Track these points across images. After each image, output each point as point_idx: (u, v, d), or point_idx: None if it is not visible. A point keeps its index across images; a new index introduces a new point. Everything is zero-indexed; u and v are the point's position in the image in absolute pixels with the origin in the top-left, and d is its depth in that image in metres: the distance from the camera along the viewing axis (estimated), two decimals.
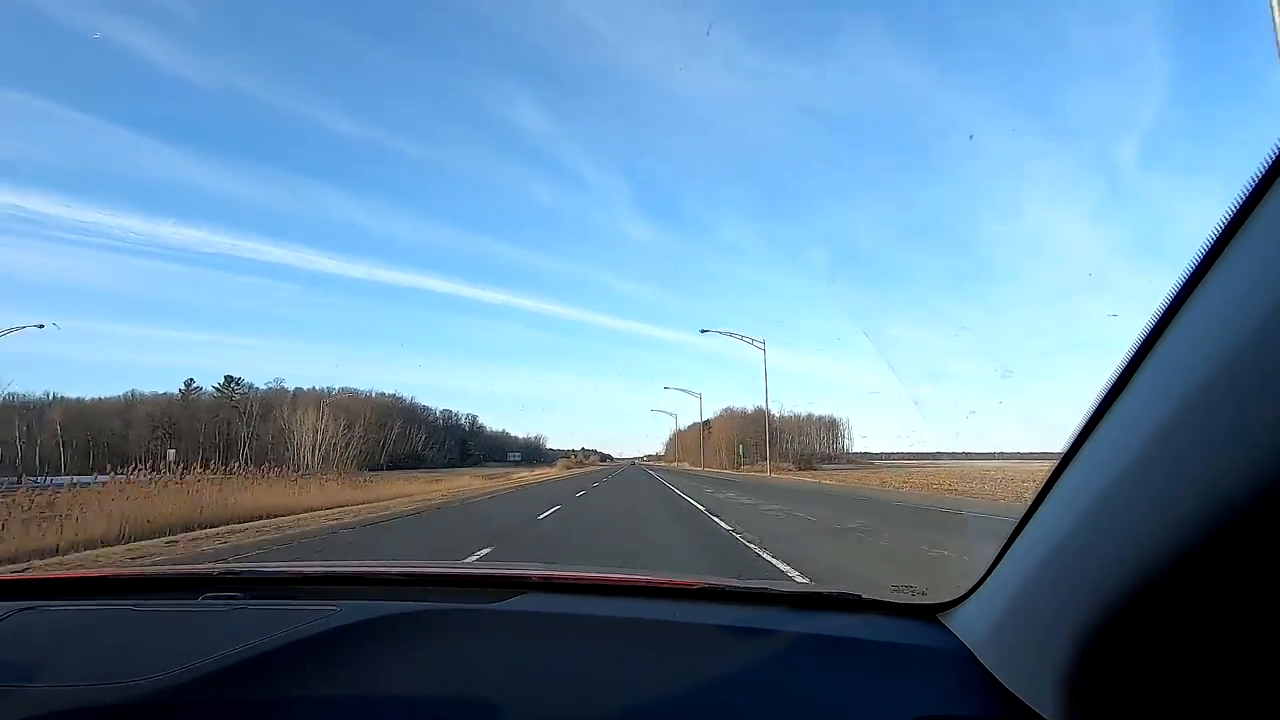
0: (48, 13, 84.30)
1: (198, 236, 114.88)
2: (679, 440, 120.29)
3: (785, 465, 54.30)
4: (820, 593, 0.96)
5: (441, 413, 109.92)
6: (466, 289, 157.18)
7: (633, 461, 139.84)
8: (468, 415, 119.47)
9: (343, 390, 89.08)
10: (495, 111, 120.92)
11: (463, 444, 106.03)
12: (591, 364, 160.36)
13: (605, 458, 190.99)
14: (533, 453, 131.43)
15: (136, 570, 1.27)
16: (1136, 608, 0.47)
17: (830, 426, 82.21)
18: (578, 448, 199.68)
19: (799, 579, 5.44)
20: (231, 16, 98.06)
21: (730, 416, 74.37)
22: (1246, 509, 0.37)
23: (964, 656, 0.74)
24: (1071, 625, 0.53)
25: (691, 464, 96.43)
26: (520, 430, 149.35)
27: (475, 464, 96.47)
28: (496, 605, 0.92)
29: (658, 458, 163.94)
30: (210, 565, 1.24)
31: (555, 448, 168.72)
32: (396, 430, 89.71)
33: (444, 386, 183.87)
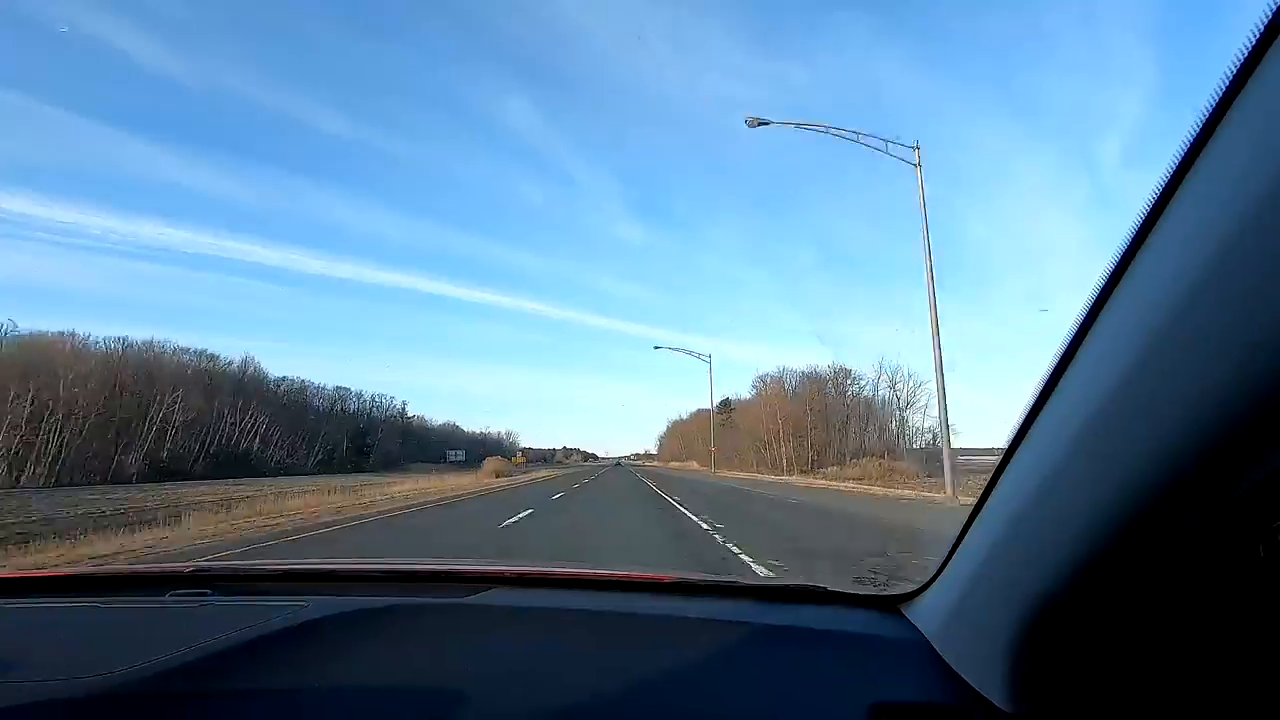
0: (25, 6, 79.03)
1: (183, 236, 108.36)
2: (678, 434, 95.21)
3: (895, 466, 28.76)
4: (787, 586, 0.97)
5: (335, 390, 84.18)
6: (450, 288, 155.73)
7: (618, 462, 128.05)
8: (391, 400, 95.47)
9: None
10: (485, 109, 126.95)
11: (360, 438, 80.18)
12: (574, 361, 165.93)
13: (589, 456, 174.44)
14: (493, 450, 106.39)
15: (103, 569, 1.21)
16: (1072, 594, 0.51)
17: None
18: (558, 446, 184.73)
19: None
20: (217, 10, 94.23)
21: (772, 388, 48.82)
22: (1164, 501, 0.40)
23: (921, 646, 0.77)
24: (1014, 612, 0.56)
25: (701, 464, 72.45)
26: (480, 426, 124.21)
27: (392, 466, 70.58)
28: (467, 599, 0.92)
29: (648, 456, 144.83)
30: (179, 564, 1.20)
31: (534, 445, 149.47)
32: (215, 411, 59.69)
33: (423, 387, 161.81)
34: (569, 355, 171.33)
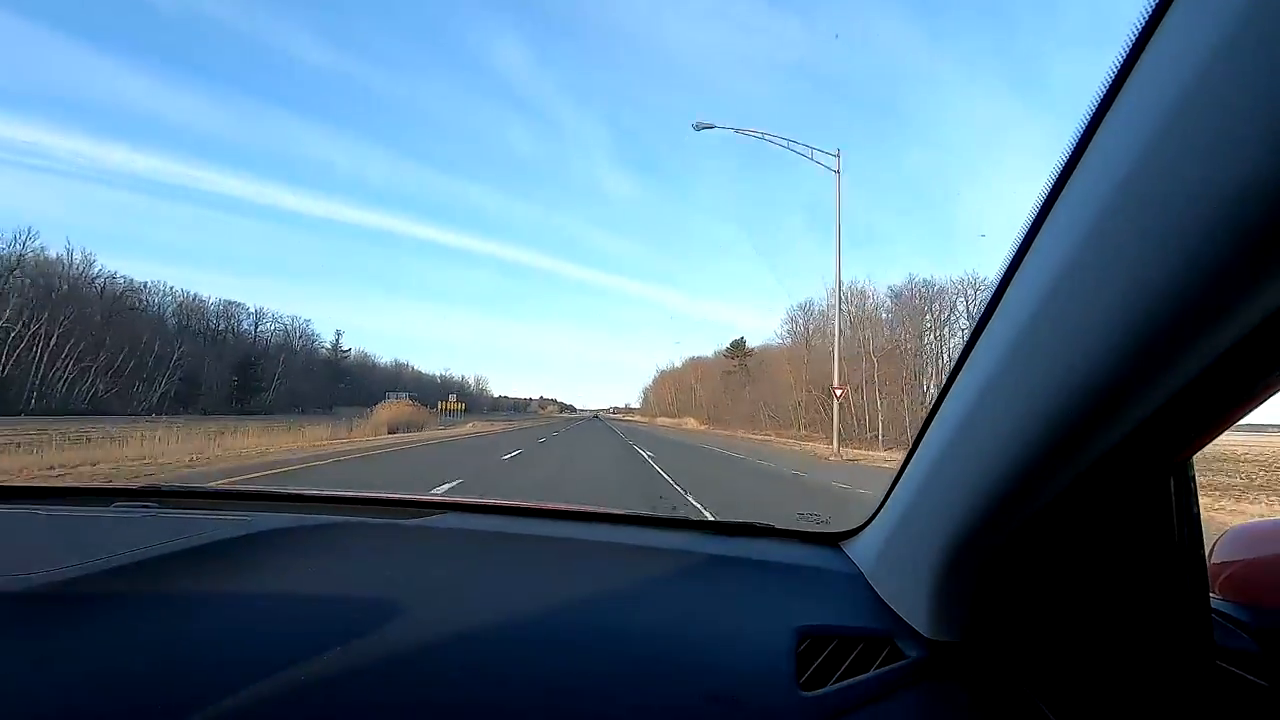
0: None
1: (151, 164, 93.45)
2: (668, 385, 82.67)
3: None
4: (734, 522, 1.00)
5: (221, 306, 62.52)
6: (432, 231, 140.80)
7: (595, 415, 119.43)
8: (307, 326, 72.65)
9: None
10: (475, 47, 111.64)
11: (249, 371, 58.52)
12: (554, 312, 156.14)
13: (566, 408, 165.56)
14: (458, 395, 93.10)
15: (50, 484, 1.34)
16: (986, 530, 0.54)
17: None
18: (535, 395, 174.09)
19: None
20: None
21: (803, 322, 35.62)
22: (1067, 433, 0.43)
23: (855, 578, 0.80)
24: (937, 548, 0.60)
25: (699, 421, 57.94)
26: (440, 368, 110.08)
27: (303, 409, 54.72)
28: (413, 520, 0.92)
29: (629, 411, 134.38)
30: (129, 481, 1.27)
31: (508, 394, 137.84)
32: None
33: (399, 334, 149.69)
34: (549, 305, 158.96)
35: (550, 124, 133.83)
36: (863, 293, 32.71)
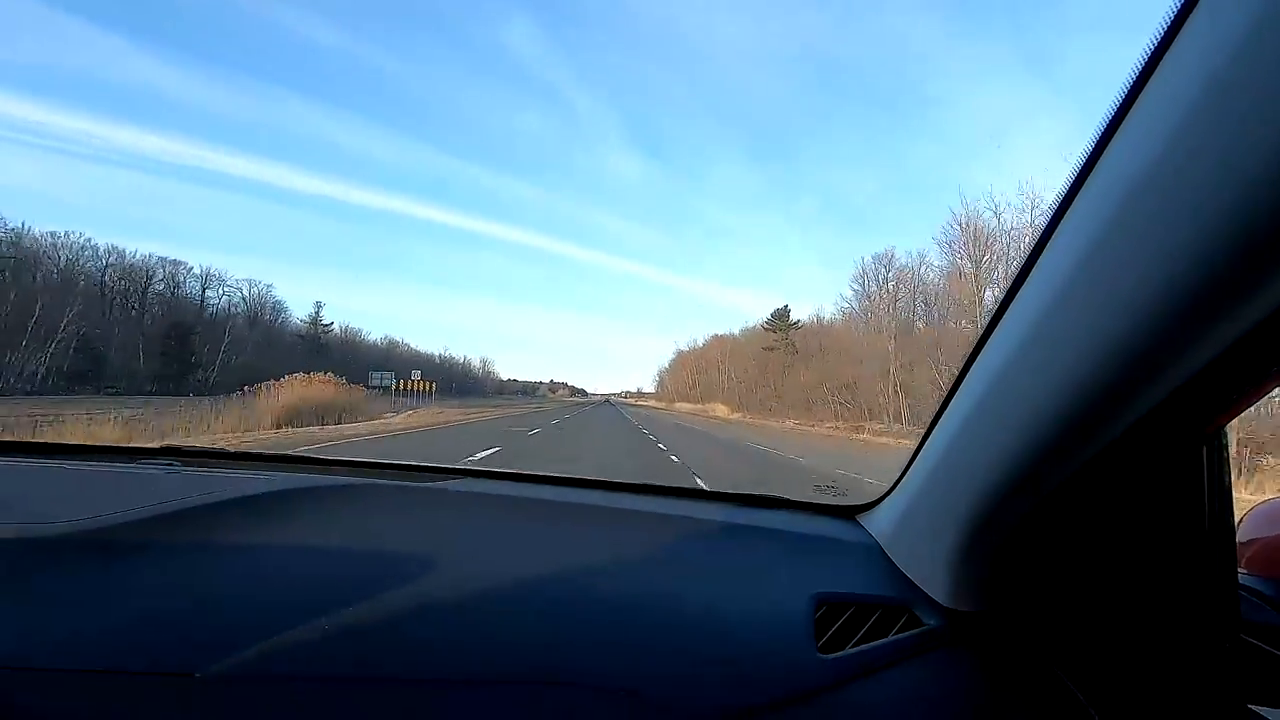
0: None
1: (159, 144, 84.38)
2: (688, 367, 73.46)
3: None
4: (751, 495, 1.01)
5: (137, 262, 47.40)
6: (443, 214, 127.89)
7: (607, 399, 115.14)
8: (268, 291, 58.00)
9: None
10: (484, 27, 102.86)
11: (182, 341, 44.56)
12: (563, 295, 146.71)
13: (577, 392, 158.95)
14: (458, 379, 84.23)
15: (72, 443, 1.24)
16: (1008, 499, 0.55)
17: None
18: (545, 379, 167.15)
19: None
20: None
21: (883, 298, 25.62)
22: (1092, 406, 0.43)
23: (872, 549, 0.81)
24: (955, 517, 0.61)
25: (730, 408, 47.00)
26: (439, 348, 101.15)
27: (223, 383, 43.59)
28: (431, 484, 0.94)
29: (642, 395, 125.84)
30: (149, 443, 1.27)
31: (517, 377, 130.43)
32: None
33: (408, 317, 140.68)
34: (561, 288, 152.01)
35: (562, 107, 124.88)
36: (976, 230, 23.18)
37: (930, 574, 0.69)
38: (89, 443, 1.18)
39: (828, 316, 38.31)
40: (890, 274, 28.40)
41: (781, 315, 41.15)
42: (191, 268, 52.00)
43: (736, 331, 56.93)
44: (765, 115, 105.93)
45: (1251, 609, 0.59)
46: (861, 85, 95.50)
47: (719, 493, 1.04)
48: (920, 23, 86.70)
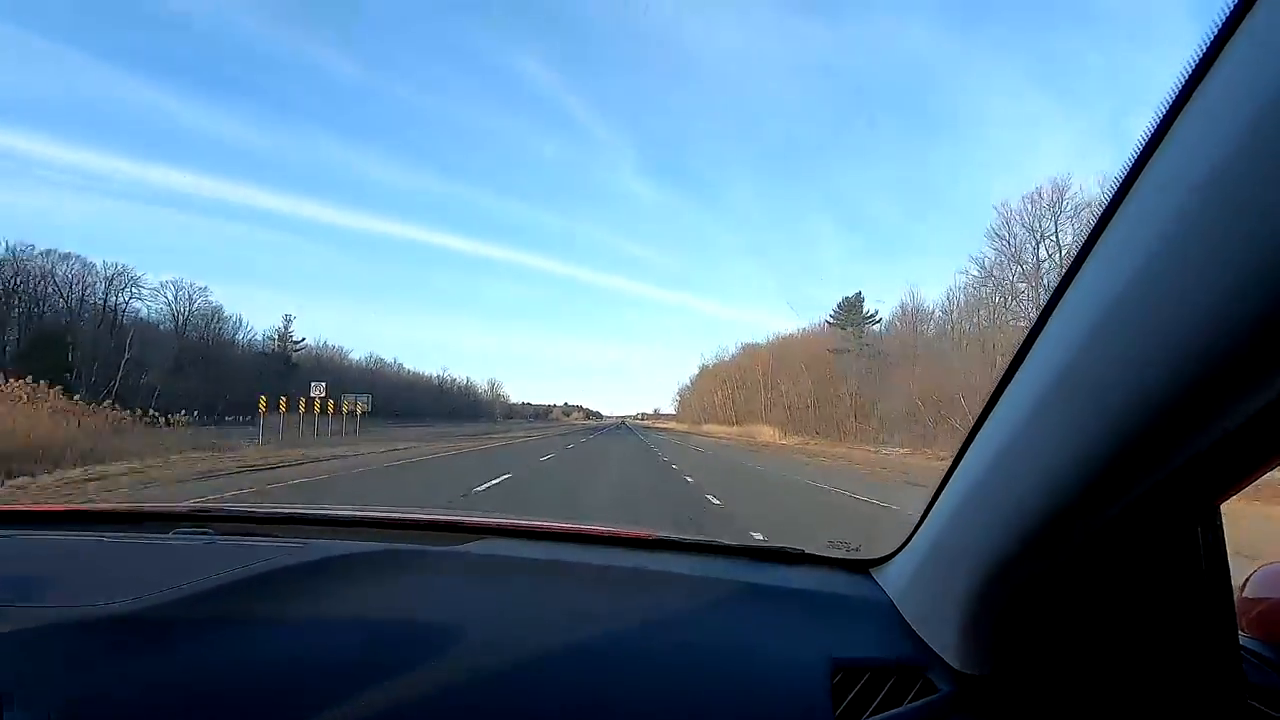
0: None
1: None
2: (714, 384, 65.21)
3: None
4: (764, 547, 1.03)
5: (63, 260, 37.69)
6: (459, 242, 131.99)
7: (622, 421, 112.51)
8: (203, 294, 47.36)
9: None
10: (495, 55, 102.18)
11: (57, 345, 31.69)
12: (577, 319, 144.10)
13: (592, 415, 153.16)
14: (459, 405, 76.79)
15: (108, 505, 1.28)
16: (1022, 562, 0.54)
17: None
18: (557, 401, 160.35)
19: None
20: None
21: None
22: (1105, 473, 0.43)
23: (886, 607, 0.80)
24: (970, 578, 0.61)
25: (775, 429, 36.04)
26: (435, 369, 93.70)
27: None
28: (455, 547, 0.97)
29: (658, 416, 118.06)
30: (178, 504, 1.31)
31: (529, 400, 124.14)
32: None
33: (417, 340, 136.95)
34: (574, 311, 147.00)
35: (575, 133, 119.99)
36: None
37: (943, 636, 0.69)
38: (123, 508, 1.19)
39: (928, 304, 30.08)
40: (1016, 246, 20.32)
41: (853, 307, 32.44)
42: (94, 265, 41.60)
43: (791, 332, 48.50)
44: (781, 132, 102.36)
45: (1257, 673, 0.59)
46: (886, 102, 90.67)
47: (736, 546, 1.05)
48: (938, 40, 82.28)
